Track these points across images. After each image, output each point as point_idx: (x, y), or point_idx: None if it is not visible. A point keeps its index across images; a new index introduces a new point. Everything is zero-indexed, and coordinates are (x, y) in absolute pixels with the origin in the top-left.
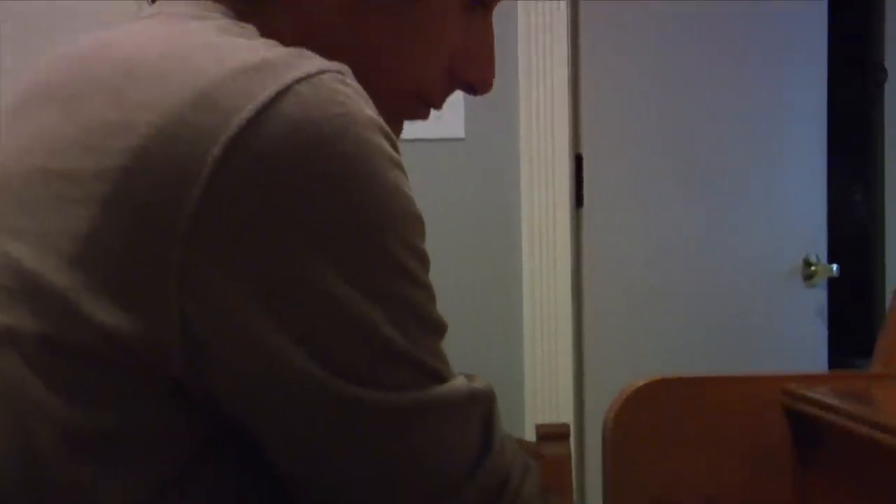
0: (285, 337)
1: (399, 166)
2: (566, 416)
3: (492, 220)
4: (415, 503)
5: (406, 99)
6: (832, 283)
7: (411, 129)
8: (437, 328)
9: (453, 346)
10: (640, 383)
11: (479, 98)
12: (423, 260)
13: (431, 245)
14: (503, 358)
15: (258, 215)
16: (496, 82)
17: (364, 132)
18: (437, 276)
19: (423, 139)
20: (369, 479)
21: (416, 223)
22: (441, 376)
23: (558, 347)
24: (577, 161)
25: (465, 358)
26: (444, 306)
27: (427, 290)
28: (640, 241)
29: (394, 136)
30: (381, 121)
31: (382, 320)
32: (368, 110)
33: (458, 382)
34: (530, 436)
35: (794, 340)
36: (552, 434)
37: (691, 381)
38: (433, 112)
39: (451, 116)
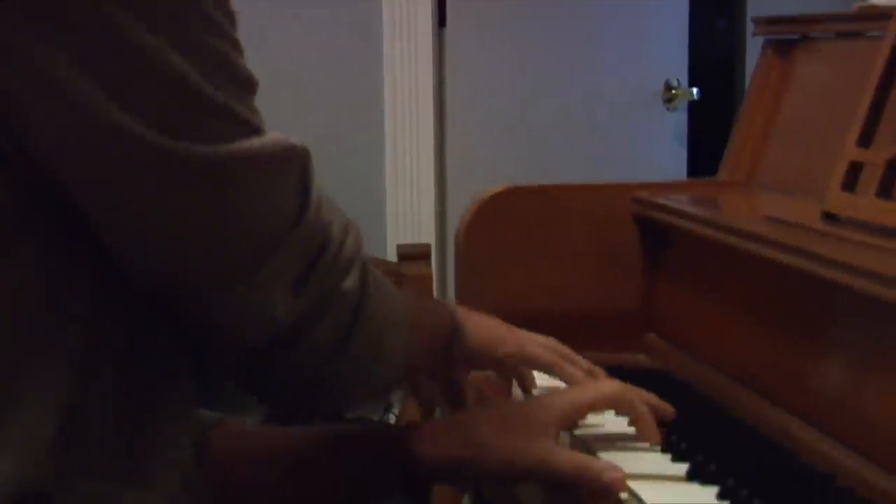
0: (93, 86)
1: None
2: (428, 236)
3: (352, 40)
4: (233, 261)
5: None
6: (692, 107)
7: None
8: (249, 83)
9: (314, 166)
10: (492, 191)
11: None
12: (231, 16)
13: (289, 65)
14: (364, 178)
15: None
16: None
17: None
18: (298, 98)
19: None
20: (182, 235)
21: None
22: (256, 128)
23: (420, 167)
24: None
25: (325, 177)
26: (304, 125)
27: (236, 44)
28: (503, 62)
29: None
30: None
31: (191, 70)
32: None
33: (274, 135)
34: (392, 256)
35: (655, 163)
36: (413, 254)
37: (543, 189)
38: None
39: None
